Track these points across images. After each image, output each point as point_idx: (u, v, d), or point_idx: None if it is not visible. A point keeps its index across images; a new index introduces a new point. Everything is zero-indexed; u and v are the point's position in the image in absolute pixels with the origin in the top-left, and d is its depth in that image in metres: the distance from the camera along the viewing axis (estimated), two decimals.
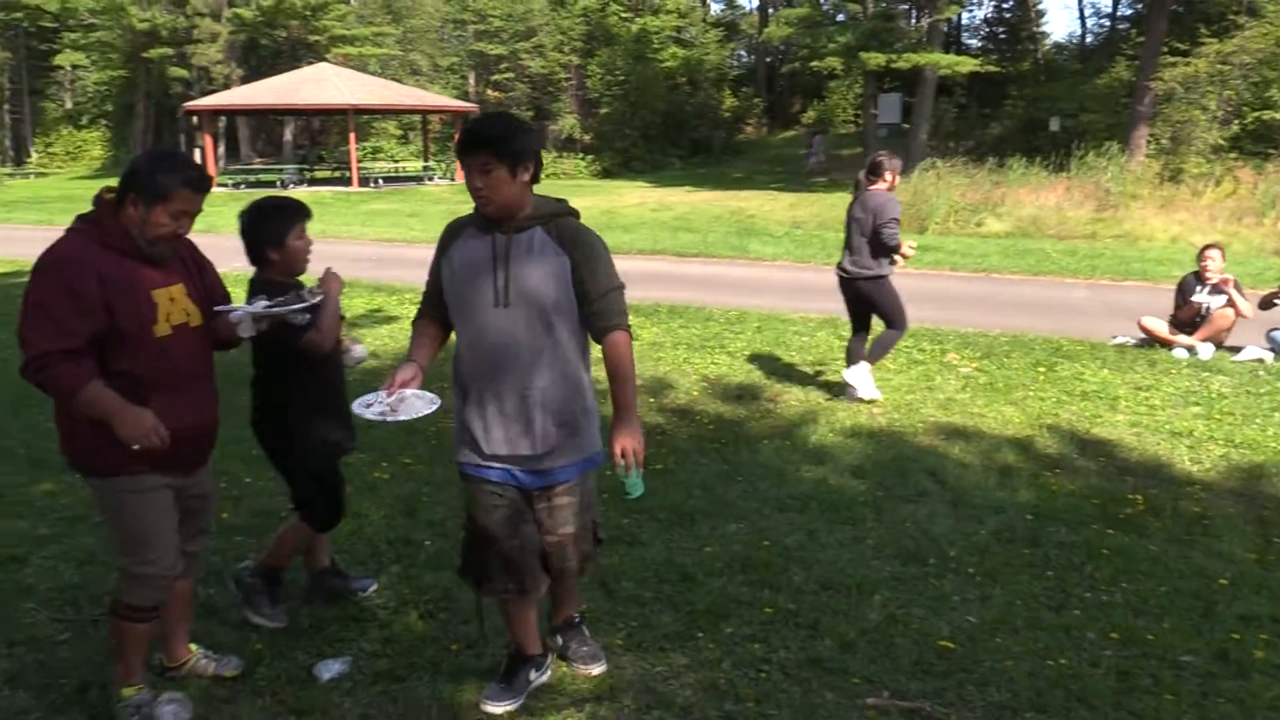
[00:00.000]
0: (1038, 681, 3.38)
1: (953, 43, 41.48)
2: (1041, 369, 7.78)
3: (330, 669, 3.38)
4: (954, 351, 8.34)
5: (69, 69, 50.22)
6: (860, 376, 6.84)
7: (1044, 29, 48.29)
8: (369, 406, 2.85)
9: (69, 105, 52.96)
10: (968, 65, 29.85)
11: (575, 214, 3.01)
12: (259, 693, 3.29)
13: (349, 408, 3.22)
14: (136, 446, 2.83)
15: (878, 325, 7.01)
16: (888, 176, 6.75)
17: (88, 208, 3.00)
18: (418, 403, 2.85)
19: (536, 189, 2.93)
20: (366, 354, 3.93)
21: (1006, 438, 6.10)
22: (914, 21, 32.69)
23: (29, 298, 2.83)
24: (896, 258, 6.71)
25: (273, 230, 3.50)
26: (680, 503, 4.95)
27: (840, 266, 6.94)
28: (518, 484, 3.04)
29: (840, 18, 33.35)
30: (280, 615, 3.73)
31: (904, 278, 12.02)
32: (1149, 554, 4.39)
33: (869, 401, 6.77)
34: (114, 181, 3.01)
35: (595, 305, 2.92)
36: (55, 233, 3.03)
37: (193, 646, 3.40)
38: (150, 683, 3.22)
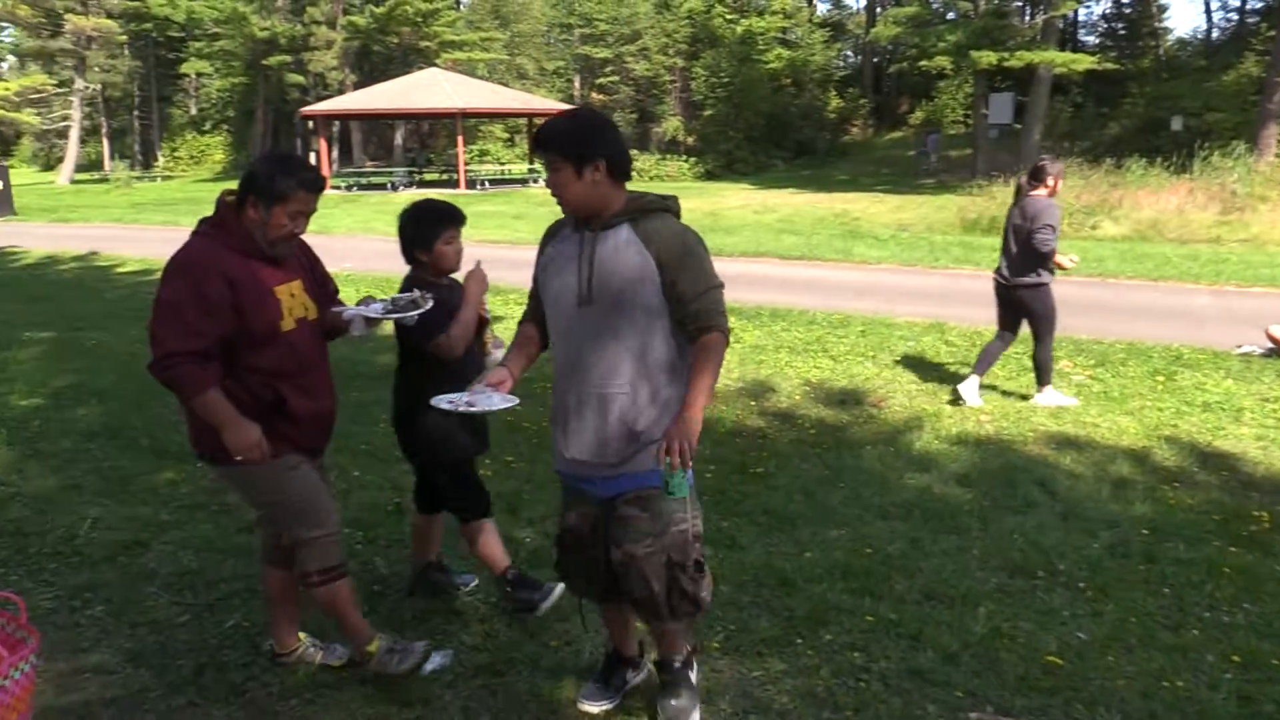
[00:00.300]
0: (1152, 703, 3.25)
1: (1069, 40, 40.27)
2: (1160, 378, 7.48)
3: (432, 661, 3.44)
4: (1067, 359, 8.07)
5: (194, 77, 52.46)
6: (1050, 398, 6.78)
7: (1166, 24, 46.52)
8: (450, 402, 2.90)
9: (193, 111, 55.33)
10: (1084, 63, 28.91)
11: (670, 210, 2.85)
12: (364, 681, 3.37)
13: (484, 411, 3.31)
14: (239, 458, 2.97)
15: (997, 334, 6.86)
16: (1049, 181, 6.58)
17: (210, 209, 3.12)
18: (495, 398, 2.85)
19: (635, 188, 2.88)
20: None
21: (1121, 449, 5.88)
22: (1028, 18, 31.84)
23: (160, 298, 2.95)
24: (1054, 265, 6.57)
25: (423, 234, 3.57)
26: (780, 507, 4.91)
27: (998, 272, 6.83)
28: (597, 494, 2.93)
29: (950, 16, 32.65)
30: (548, 589, 3.73)
31: None
32: (1275, 574, 4.18)
33: (1069, 406, 6.71)
34: (234, 184, 3.13)
35: (690, 307, 2.73)
36: (180, 233, 3.16)
37: (301, 635, 3.51)
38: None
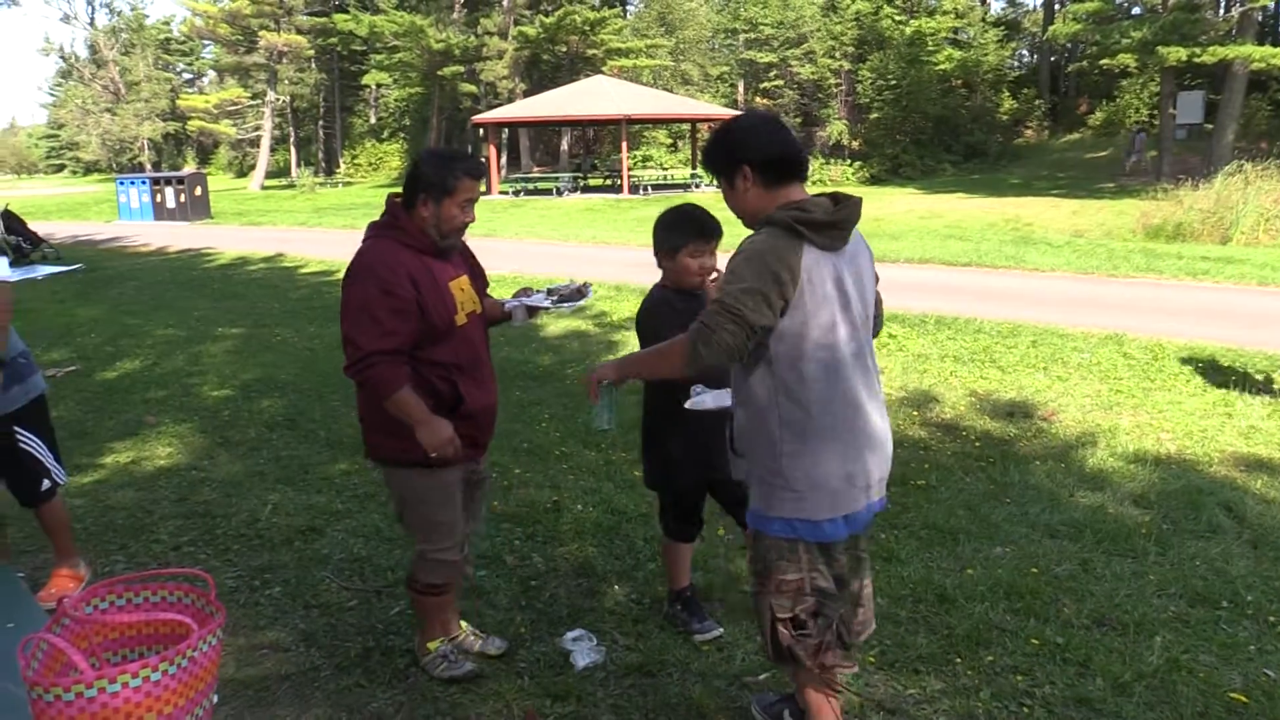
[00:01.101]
0: None
1: (1269, 33, 37.64)
2: None
3: (586, 658, 3.50)
4: (1260, 374, 7.54)
5: (374, 87, 55.08)
6: None
7: None
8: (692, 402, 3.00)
9: (373, 120, 58.11)
10: None
11: (773, 223, 2.48)
12: (519, 673, 3.46)
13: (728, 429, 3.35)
14: (434, 454, 3.08)
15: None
16: None
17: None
18: (707, 398, 2.94)
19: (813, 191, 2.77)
20: None
21: None
22: (1223, 12, 29.91)
23: (349, 301, 3.05)
24: None
25: (669, 239, 3.39)
26: (942, 521, 4.76)
27: None
28: None
29: (1136, 11, 31.03)
30: (711, 625, 3.71)
31: (1201, 291, 11.07)
32: None
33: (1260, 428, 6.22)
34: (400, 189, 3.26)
35: None
36: (359, 235, 3.31)
37: (463, 624, 3.63)
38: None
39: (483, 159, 37.07)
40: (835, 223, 2.51)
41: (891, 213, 24.38)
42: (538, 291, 3.50)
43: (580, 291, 3.44)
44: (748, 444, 2.65)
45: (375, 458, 3.27)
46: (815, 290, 2.46)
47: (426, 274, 3.09)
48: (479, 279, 3.40)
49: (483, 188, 3.25)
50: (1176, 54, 26.27)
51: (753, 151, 2.57)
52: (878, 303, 2.81)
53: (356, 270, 3.08)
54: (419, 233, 3.12)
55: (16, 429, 3.75)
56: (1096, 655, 3.51)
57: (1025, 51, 49.95)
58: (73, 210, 34.64)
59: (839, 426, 2.55)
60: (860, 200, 2.59)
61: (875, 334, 2.84)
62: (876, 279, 2.79)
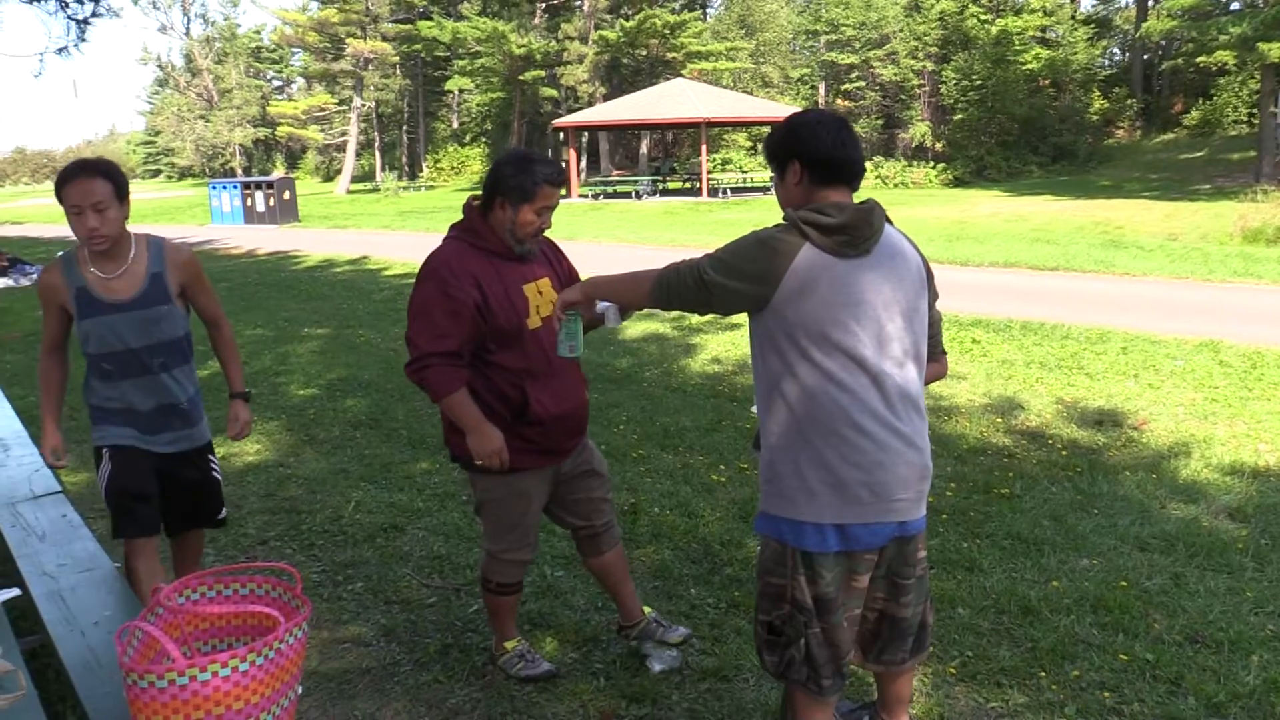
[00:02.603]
0: None
1: None
2: None
3: (662, 661, 3.50)
4: None
5: (456, 93, 55.90)
6: None
7: None
8: None
9: (455, 125, 59.01)
10: None
11: (788, 218, 2.50)
12: (595, 674, 3.47)
13: None
14: (480, 463, 3.10)
15: None
16: None
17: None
18: None
19: (877, 195, 2.76)
20: None
21: None
22: None
23: (413, 302, 3.11)
24: None
25: None
26: (1026, 531, 4.65)
27: None
28: None
29: (1234, 6, 29.97)
30: None
31: None
32: None
33: None
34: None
35: None
36: (440, 238, 3.35)
37: (646, 609, 3.64)
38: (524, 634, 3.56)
39: (563, 162, 37.38)
40: (841, 227, 2.44)
41: (976, 216, 23.93)
42: None
43: None
44: (760, 435, 2.65)
45: (459, 460, 3.29)
46: (814, 292, 2.42)
47: (495, 276, 3.09)
48: (568, 279, 3.34)
49: (563, 192, 3.24)
50: (1278, 50, 25.32)
51: (808, 148, 2.54)
52: (933, 322, 2.75)
53: (423, 272, 3.13)
54: (492, 235, 3.13)
55: (210, 458, 3.85)
56: (1189, 673, 3.40)
57: (1116, 50, 48.66)
58: (168, 214, 35.85)
59: (829, 433, 2.47)
60: (874, 208, 2.52)
61: (934, 353, 2.77)
62: (935, 296, 2.74)
